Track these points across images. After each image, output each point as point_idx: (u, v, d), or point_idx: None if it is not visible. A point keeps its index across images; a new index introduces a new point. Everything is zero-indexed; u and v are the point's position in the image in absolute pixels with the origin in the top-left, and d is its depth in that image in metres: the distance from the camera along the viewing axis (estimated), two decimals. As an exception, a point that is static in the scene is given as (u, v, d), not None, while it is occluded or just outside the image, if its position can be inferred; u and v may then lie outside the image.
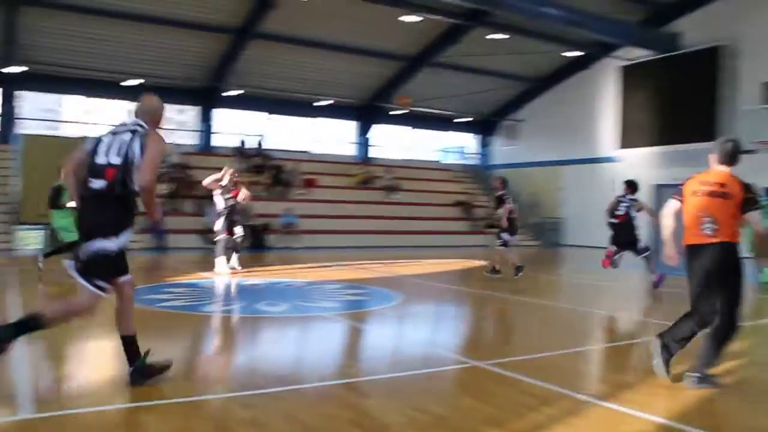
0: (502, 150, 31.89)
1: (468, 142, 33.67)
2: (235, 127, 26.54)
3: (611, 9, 22.52)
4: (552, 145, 28.76)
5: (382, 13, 21.64)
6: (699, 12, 23.07)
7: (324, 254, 19.10)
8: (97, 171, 4.68)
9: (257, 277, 12.50)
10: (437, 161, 32.55)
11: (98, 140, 4.82)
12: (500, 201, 13.46)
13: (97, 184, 4.66)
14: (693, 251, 5.27)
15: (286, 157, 26.21)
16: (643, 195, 24.87)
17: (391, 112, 28.27)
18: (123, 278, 4.83)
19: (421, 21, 21.66)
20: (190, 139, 27.05)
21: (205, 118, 25.87)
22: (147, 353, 4.85)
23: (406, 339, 7.57)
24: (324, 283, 12.05)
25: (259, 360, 6.24)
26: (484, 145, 32.85)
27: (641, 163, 24.85)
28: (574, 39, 24.24)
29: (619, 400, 4.83)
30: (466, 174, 32.06)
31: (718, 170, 5.48)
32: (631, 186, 12.78)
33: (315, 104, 26.56)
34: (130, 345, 4.84)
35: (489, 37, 23.08)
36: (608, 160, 26.09)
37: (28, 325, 4.57)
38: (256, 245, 20.61)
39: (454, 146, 33.83)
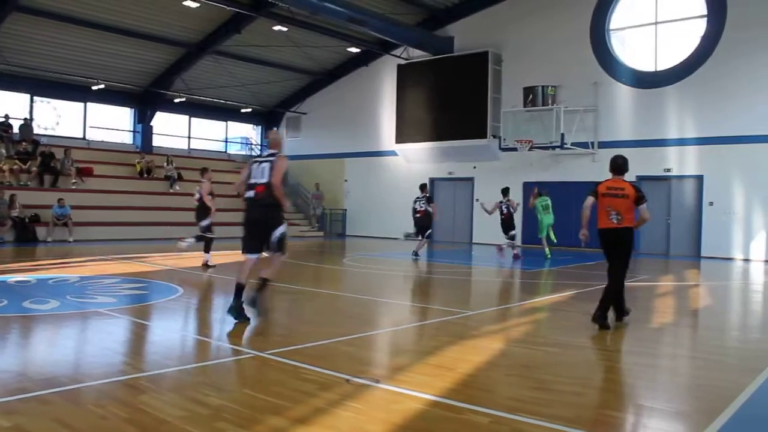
0: (287, 141, 32.07)
1: (252, 133, 33.45)
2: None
3: (390, 9, 23.46)
4: (335, 138, 29.44)
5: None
6: (469, 19, 24.78)
7: (101, 247, 18.12)
8: (250, 186, 7.48)
9: (25, 273, 11.59)
10: (222, 151, 32.01)
11: (251, 167, 7.61)
12: None
13: (249, 194, 7.47)
14: (604, 233, 7.66)
15: (57, 143, 24.40)
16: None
17: (176, 100, 27.32)
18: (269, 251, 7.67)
19: (202, 7, 21.10)
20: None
21: (-43, 98, 23.26)
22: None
23: (186, 332, 7.43)
24: (100, 277, 11.46)
25: (26, 362, 5.80)
26: (268, 136, 32.74)
27: (418, 158, 26.22)
28: (356, 35, 24.95)
29: (394, 381, 5.13)
30: (251, 165, 31.88)
31: (615, 178, 7.76)
32: (423, 188, 18.04)
33: (94, 88, 24.93)
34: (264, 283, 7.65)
35: (274, 28, 23.12)
36: (391, 153, 27.19)
37: (266, 287, 7.64)
38: (24, 238, 19.08)
39: (237, 137, 33.45)
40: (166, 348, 6.51)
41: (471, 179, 25.06)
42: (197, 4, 20.39)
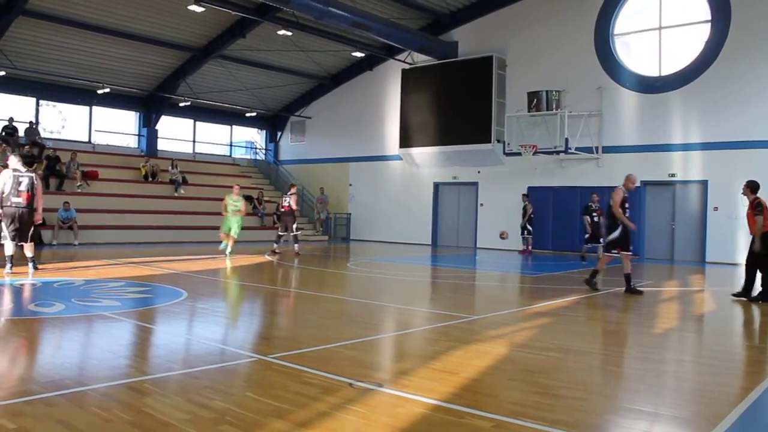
0: (291, 146, 32.14)
1: (256, 137, 33.52)
2: (2, 112, 24.13)
3: (395, 14, 23.49)
4: (339, 143, 29.47)
5: (166, 0, 20.94)
6: (473, 23, 24.80)
7: (106, 250, 18.18)
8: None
9: (31, 276, 11.63)
10: (227, 155, 32.09)
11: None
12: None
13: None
14: None
15: (63, 147, 24.49)
16: (427, 192, 26.30)
17: (181, 104, 27.43)
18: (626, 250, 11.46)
19: (208, 12, 21.08)
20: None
21: (-36, 102, 23.33)
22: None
23: (190, 336, 7.45)
24: (105, 281, 11.49)
25: (32, 365, 5.83)
26: (272, 140, 32.87)
27: (422, 162, 26.24)
28: (360, 40, 24.98)
29: (397, 386, 5.13)
30: (255, 169, 31.97)
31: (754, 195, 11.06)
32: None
33: (99, 92, 25.04)
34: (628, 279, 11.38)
35: (279, 33, 23.16)
36: (395, 158, 27.22)
37: (596, 275, 11.74)
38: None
39: (242, 141, 33.54)
40: (170, 351, 6.53)
41: (475, 184, 25.06)
42: (202, 9, 20.43)
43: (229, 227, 17.10)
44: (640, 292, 11.25)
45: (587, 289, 11.47)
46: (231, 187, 17.96)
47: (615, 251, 11.37)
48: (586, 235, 17.90)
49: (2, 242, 11.99)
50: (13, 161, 12.05)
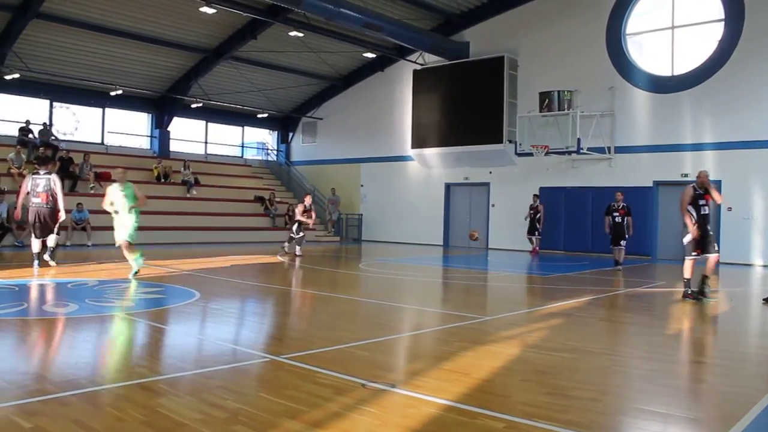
0: (302, 147, 32.19)
1: (268, 138, 33.59)
2: (17, 114, 24.29)
3: (406, 15, 23.50)
4: (351, 143, 29.50)
5: (178, 2, 21.02)
6: (484, 24, 24.76)
7: (119, 251, 18.22)
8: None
9: (44, 277, 11.71)
10: (239, 157, 32.19)
11: None
12: None
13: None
14: None
15: (76, 148, 24.62)
16: (438, 193, 26.23)
17: (193, 105, 27.56)
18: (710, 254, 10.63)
19: (219, 13, 21.13)
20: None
21: (-22, 104, 23.52)
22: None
23: (203, 336, 7.47)
24: (118, 281, 11.56)
25: (47, 364, 5.87)
26: (284, 141, 32.92)
27: (434, 163, 26.21)
28: (372, 41, 25.00)
29: (410, 386, 5.12)
30: (266, 170, 32.05)
31: None
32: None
33: (112, 94, 25.21)
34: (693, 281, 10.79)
35: (290, 34, 23.20)
36: (406, 158, 27.22)
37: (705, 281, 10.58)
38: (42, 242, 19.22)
39: (254, 142, 33.63)
40: (183, 351, 6.55)
41: (487, 184, 25.02)
42: (214, 11, 20.48)
43: (130, 231, 12.75)
44: (698, 299, 10.58)
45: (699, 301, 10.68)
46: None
47: (695, 253, 10.60)
48: (610, 236, 16.96)
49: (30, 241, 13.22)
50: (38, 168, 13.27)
